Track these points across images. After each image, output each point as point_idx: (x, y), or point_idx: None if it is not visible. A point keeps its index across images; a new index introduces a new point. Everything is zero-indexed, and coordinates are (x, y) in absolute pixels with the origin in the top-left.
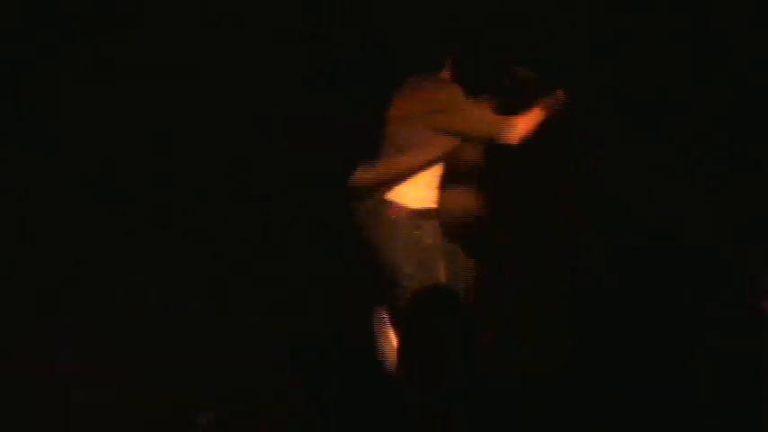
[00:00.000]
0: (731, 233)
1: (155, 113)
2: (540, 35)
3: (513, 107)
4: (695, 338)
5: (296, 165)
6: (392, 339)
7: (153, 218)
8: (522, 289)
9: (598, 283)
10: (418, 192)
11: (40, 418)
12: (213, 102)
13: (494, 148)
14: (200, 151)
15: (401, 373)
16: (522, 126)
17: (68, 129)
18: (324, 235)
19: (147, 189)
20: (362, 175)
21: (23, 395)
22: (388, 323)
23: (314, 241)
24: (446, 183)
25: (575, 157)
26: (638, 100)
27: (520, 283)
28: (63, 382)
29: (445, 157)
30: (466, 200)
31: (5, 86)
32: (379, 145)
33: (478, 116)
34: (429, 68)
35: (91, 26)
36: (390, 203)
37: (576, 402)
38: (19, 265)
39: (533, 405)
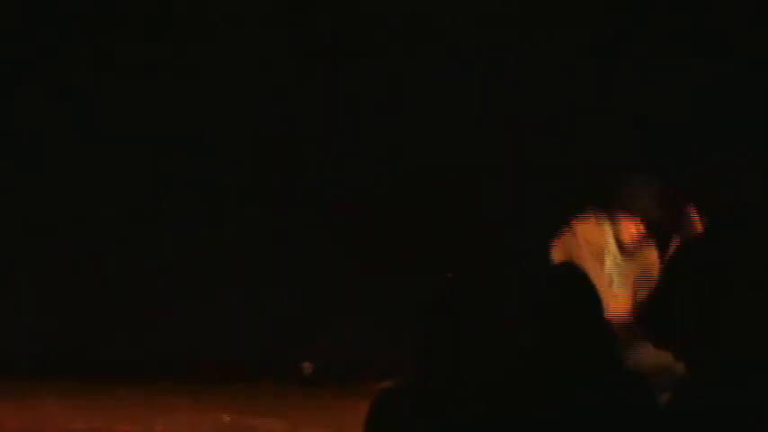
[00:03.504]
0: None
1: (154, 113)
2: (540, 35)
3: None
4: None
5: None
6: None
7: (154, 217)
8: None
9: None
10: None
11: None
12: (213, 101)
13: None
14: (200, 151)
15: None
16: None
17: (69, 128)
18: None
19: (150, 188)
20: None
21: None
22: None
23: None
24: None
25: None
26: (638, 100)
27: None
28: None
29: None
30: None
31: (5, 86)
32: None
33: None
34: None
35: (91, 26)
36: None
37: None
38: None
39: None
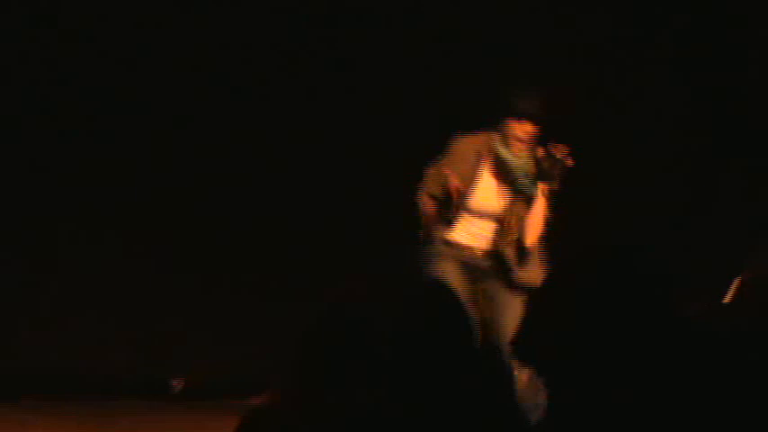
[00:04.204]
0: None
1: (154, 113)
2: (540, 35)
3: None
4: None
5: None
6: None
7: (154, 213)
8: None
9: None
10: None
11: None
12: (213, 101)
13: None
14: (200, 146)
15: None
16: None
17: (68, 128)
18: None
19: (149, 185)
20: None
21: None
22: None
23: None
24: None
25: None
26: (638, 100)
27: None
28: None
29: None
30: None
31: (6, 86)
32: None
33: None
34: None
35: (91, 26)
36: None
37: None
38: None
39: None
